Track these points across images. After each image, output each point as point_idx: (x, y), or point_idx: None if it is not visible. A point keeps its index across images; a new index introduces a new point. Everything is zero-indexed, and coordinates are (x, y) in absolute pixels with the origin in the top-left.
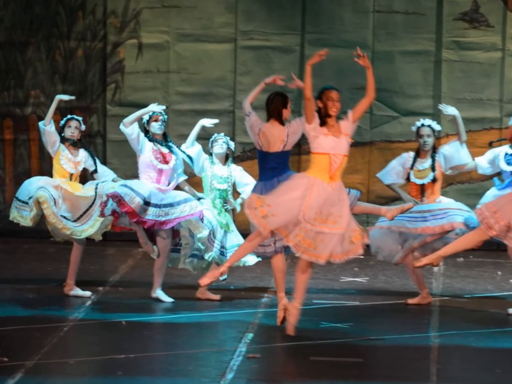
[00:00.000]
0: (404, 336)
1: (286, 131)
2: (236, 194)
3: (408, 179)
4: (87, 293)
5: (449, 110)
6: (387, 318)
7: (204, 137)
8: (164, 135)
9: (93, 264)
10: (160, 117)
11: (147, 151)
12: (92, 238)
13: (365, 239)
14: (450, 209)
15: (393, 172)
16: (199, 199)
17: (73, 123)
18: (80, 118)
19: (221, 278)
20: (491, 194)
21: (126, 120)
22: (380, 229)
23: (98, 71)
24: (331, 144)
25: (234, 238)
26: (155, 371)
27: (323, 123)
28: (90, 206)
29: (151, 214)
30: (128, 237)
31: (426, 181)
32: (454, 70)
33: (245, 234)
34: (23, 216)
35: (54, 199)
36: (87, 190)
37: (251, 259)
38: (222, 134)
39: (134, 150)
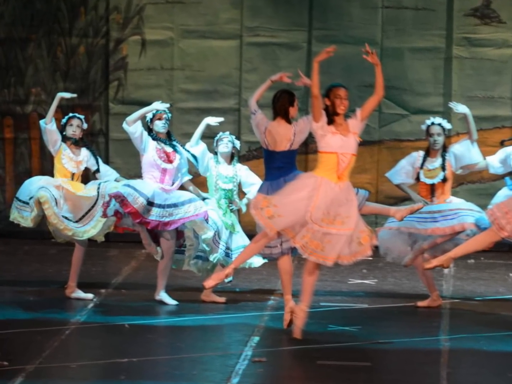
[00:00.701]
0: (413, 339)
1: (293, 130)
2: (241, 194)
3: (417, 178)
4: (89, 296)
5: (460, 108)
6: (396, 321)
7: (209, 136)
8: (168, 134)
9: (95, 265)
10: (164, 115)
11: (150, 150)
12: (94, 239)
13: (374, 240)
14: (460, 210)
15: (402, 171)
16: (203, 199)
17: (75, 122)
18: (82, 117)
19: (226, 280)
20: (503, 194)
21: (129, 118)
22: (389, 230)
23: (100, 68)
24: (339, 143)
25: (240, 239)
26: (159, 375)
27: (330, 121)
28: (92, 207)
29: (155, 214)
30: (131, 238)
31: (436, 180)
32: (464, 67)
33: (251, 235)
34: (23, 217)
35: (55, 199)
36: (89, 190)
37: (257, 261)
38: (228, 132)
39: (137, 149)
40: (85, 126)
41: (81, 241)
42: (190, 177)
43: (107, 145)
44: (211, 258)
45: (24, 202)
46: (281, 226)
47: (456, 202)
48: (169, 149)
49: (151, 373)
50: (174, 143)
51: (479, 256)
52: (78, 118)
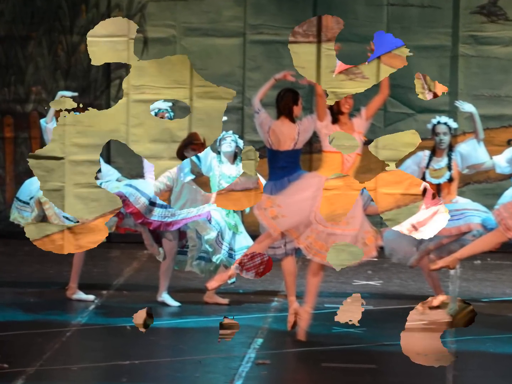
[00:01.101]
0: None
1: (297, 129)
2: None
3: (423, 178)
4: (91, 297)
5: (466, 107)
6: (401, 322)
7: None
8: None
9: (96, 266)
10: (166, 114)
11: None
12: None
13: (379, 241)
14: (467, 210)
15: (408, 171)
16: None
17: None
18: None
19: (229, 282)
20: (510, 194)
21: None
22: (395, 230)
23: (101, 67)
24: None
25: (243, 240)
26: (161, 378)
27: (335, 120)
28: None
29: (157, 215)
30: (133, 239)
31: (442, 180)
32: (471, 66)
33: (254, 235)
34: (24, 217)
35: None
36: None
37: None
38: (231, 132)
39: None
40: None
41: None
42: (192, 176)
43: (109, 145)
44: (214, 259)
45: (24, 202)
46: (285, 226)
47: (462, 202)
48: None
49: (153, 376)
50: None
51: (485, 257)
52: None
